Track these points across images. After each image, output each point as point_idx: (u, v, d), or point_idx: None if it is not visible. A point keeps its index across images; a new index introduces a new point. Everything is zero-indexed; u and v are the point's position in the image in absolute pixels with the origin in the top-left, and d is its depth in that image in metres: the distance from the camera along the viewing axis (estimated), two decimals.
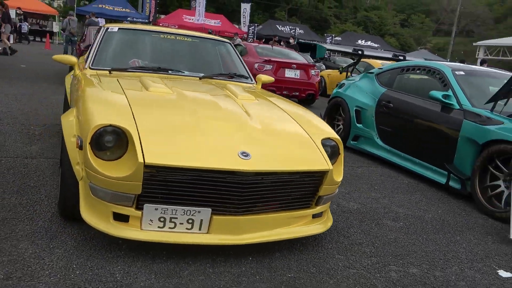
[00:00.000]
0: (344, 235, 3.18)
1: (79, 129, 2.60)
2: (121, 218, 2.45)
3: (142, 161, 2.29)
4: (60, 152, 3.35)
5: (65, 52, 16.26)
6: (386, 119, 5.40)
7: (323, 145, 2.84)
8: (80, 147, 2.46)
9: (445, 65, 5.09)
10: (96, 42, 3.97)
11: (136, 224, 2.45)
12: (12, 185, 3.37)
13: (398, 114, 5.27)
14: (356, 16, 55.00)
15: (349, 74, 7.33)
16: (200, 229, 2.49)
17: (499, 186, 4.05)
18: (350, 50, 7.10)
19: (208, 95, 3.29)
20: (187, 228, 2.48)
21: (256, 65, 9.73)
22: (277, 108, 3.29)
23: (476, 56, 35.86)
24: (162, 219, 2.44)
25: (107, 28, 4.11)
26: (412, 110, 5.09)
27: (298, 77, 10.03)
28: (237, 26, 27.43)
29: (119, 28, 4.14)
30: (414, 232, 3.44)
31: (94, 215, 2.48)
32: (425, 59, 9.38)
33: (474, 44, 36.85)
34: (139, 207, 2.42)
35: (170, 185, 2.40)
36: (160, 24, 26.47)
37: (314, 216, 2.84)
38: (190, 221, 2.46)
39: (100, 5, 26.70)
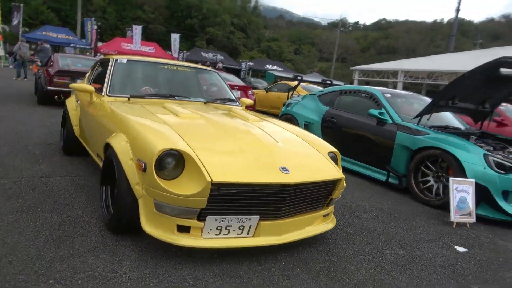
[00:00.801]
0: (338, 227, 3.25)
1: (136, 153, 2.40)
2: (183, 229, 2.31)
3: (210, 180, 2.18)
4: (70, 170, 3.05)
5: (18, 75, 14.82)
6: (330, 131, 5.60)
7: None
8: (144, 169, 2.27)
9: (376, 89, 5.42)
10: (108, 72, 3.68)
11: (197, 234, 2.32)
12: (45, 204, 3.01)
13: (340, 128, 5.49)
14: (260, 45, 56.44)
15: (290, 95, 7.50)
16: (248, 233, 2.42)
17: (429, 181, 4.39)
18: (290, 76, 7.28)
19: (228, 119, 3.20)
20: (237, 234, 2.40)
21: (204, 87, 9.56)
22: (281, 127, 3.29)
23: (353, 78, 38.37)
24: (219, 228, 2.34)
25: (116, 60, 3.82)
26: (352, 124, 5.34)
27: (240, 97, 10.01)
28: (169, 53, 26.67)
29: (127, 60, 3.87)
30: (383, 221, 3.61)
31: (158, 228, 2.31)
32: (323, 79, 10.07)
33: (351, 68, 39.34)
34: (200, 219, 2.29)
35: (228, 198, 2.31)
36: (101, 51, 25.04)
37: (325, 215, 2.88)
38: (241, 227, 2.39)
39: (44, 32, 24.57)
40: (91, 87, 3.54)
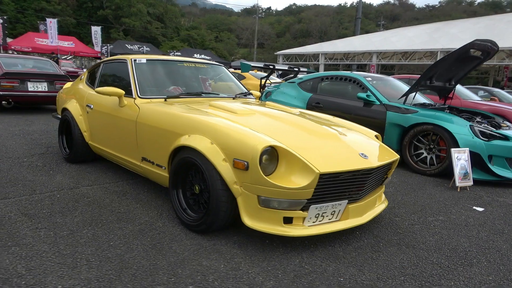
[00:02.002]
0: None
1: (230, 153, 2.41)
2: (287, 220, 2.41)
3: (318, 171, 2.30)
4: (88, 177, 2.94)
5: None
6: None
7: None
8: (246, 168, 2.31)
9: (357, 74, 5.79)
10: (131, 73, 3.51)
11: (299, 223, 2.44)
12: (105, 215, 2.87)
13: (327, 111, 5.79)
14: (179, 34, 55.02)
15: (263, 83, 7.63)
16: (337, 217, 2.59)
17: (422, 153, 4.90)
18: (262, 65, 7.28)
19: (278, 112, 3.25)
20: (329, 219, 2.55)
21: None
22: (324, 117, 3.46)
23: (277, 62, 39.40)
24: (317, 215, 2.47)
25: (135, 60, 3.65)
26: (340, 107, 5.67)
27: None
28: (90, 47, 24.94)
29: (147, 60, 3.71)
30: (404, 193, 3.99)
31: (263, 222, 2.38)
32: (290, 67, 10.18)
33: (275, 53, 40.27)
34: (303, 209, 2.40)
35: (327, 187, 2.44)
36: (12, 47, 22.66)
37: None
38: (333, 212, 2.55)
39: None
40: (121, 90, 3.36)
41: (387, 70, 39.54)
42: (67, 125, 4.33)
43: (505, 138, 4.50)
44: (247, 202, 2.39)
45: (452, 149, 4.22)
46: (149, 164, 3.12)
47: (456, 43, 27.40)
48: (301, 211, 2.40)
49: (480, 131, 4.53)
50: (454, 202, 3.77)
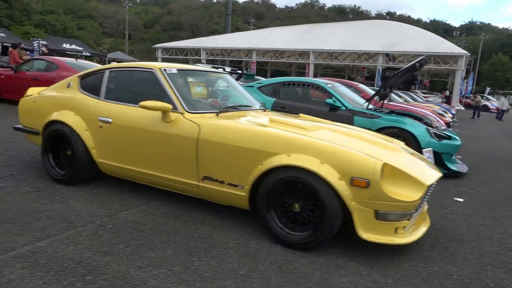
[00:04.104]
0: None
1: (345, 172, 2.51)
2: (395, 230, 2.62)
3: (426, 184, 2.58)
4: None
5: None
6: None
7: None
8: (367, 185, 2.46)
9: (319, 81, 6.20)
10: (166, 85, 3.22)
11: (400, 232, 2.67)
12: (195, 236, 2.64)
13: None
14: (31, 18, 47.80)
15: None
16: (414, 225, 2.90)
17: None
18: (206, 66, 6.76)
19: (336, 126, 3.35)
20: (413, 226, 2.85)
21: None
22: (361, 130, 3.70)
23: (156, 56, 37.95)
24: (411, 224, 2.75)
25: (165, 70, 3.34)
26: (306, 112, 5.97)
27: None
28: None
29: (177, 70, 3.41)
30: None
31: (377, 234, 2.55)
32: (232, 69, 9.68)
33: (153, 46, 38.66)
34: (408, 218, 2.65)
35: (423, 198, 2.71)
36: None
37: None
38: (412, 222, 2.84)
39: None
40: (168, 104, 3.05)
41: (262, 66, 41.81)
42: (55, 141, 3.68)
43: (449, 137, 5.46)
44: (363, 216, 2.52)
45: (424, 149, 4.95)
46: (215, 184, 2.95)
47: (325, 45, 30.60)
48: (407, 221, 2.64)
49: (434, 133, 5.39)
50: (435, 196, 4.46)
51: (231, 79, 4.16)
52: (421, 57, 5.58)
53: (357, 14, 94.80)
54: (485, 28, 78.32)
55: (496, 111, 24.42)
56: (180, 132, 3.03)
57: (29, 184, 3.58)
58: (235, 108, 3.45)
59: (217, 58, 35.76)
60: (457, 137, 5.64)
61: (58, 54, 18.62)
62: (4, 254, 2.32)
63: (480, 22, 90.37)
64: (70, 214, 2.96)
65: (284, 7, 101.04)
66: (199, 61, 34.73)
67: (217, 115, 3.17)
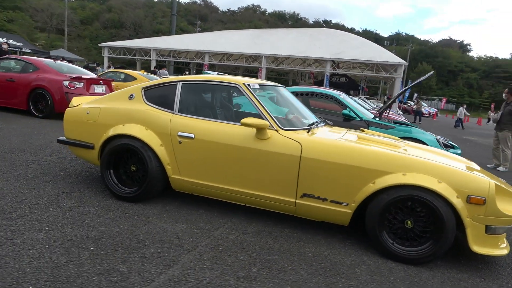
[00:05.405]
0: None
1: (462, 191, 2.64)
2: (498, 243, 2.80)
3: None
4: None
5: None
6: None
7: None
8: (484, 203, 2.62)
9: (336, 92, 6.35)
10: (254, 101, 3.15)
11: (502, 244, 2.84)
12: (306, 255, 2.62)
13: None
14: None
15: None
16: None
17: None
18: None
19: (413, 143, 3.50)
20: None
21: (66, 83, 7.64)
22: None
23: (102, 55, 35.88)
24: None
25: (249, 85, 3.26)
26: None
27: (105, 91, 8.53)
28: None
29: (259, 85, 3.33)
30: None
31: (485, 247, 2.72)
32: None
33: (99, 44, 36.49)
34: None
35: None
36: None
37: None
38: None
39: None
40: (266, 122, 2.97)
41: (210, 69, 41.42)
42: (117, 156, 3.42)
43: (452, 147, 5.90)
44: (475, 231, 2.68)
45: None
46: (317, 201, 2.94)
47: (276, 50, 31.14)
48: (505, 233, 2.84)
49: (442, 143, 5.79)
50: None
51: (285, 90, 4.12)
52: (430, 73, 5.96)
53: (296, 21, 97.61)
54: (410, 39, 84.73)
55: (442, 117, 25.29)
56: (280, 150, 2.97)
57: (94, 203, 3.28)
58: (312, 124, 3.44)
59: (167, 59, 34.80)
60: (457, 146, 6.10)
61: None
62: (148, 286, 2.12)
63: (405, 33, 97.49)
64: (170, 236, 2.77)
65: (226, 10, 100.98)
66: (162, 63, 33.58)
67: (308, 132, 3.15)
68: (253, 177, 3.07)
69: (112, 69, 18.00)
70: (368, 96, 33.28)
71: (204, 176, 3.22)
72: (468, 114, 29.17)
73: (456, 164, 2.98)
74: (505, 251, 2.78)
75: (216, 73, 9.35)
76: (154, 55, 33.96)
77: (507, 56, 79.33)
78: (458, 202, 2.63)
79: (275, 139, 3.01)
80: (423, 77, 5.93)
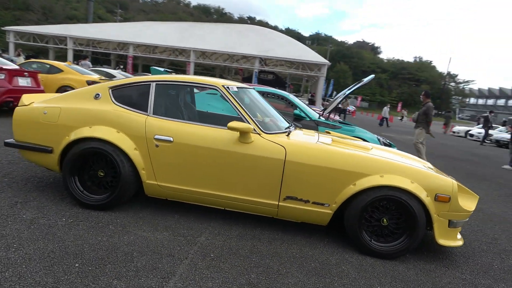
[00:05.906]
0: None
1: (430, 189, 2.92)
2: (456, 236, 3.14)
3: (478, 196, 3.18)
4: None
5: None
6: None
7: None
8: (449, 200, 2.93)
9: (287, 93, 6.50)
10: (235, 104, 3.13)
11: (458, 236, 3.20)
12: (317, 260, 2.70)
13: None
14: None
15: None
16: None
17: None
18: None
19: (382, 146, 3.72)
20: None
21: None
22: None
23: (7, 40, 32.17)
24: None
25: (228, 87, 3.22)
26: None
27: (30, 85, 7.72)
28: None
29: (237, 87, 3.29)
30: None
31: (447, 240, 3.03)
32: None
33: (3, 28, 32.63)
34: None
35: None
36: None
37: None
38: None
39: None
40: (250, 125, 2.97)
41: (145, 62, 39.63)
42: (83, 161, 3.16)
43: (390, 145, 6.43)
44: (441, 226, 2.98)
45: None
46: (299, 203, 3.02)
47: (204, 44, 30.81)
48: (460, 227, 3.20)
49: (382, 142, 6.27)
50: None
51: (256, 93, 4.11)
52: (371, 76, 6.40)
53: (221, 15, 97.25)
54: (329, 39, 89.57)
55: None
56: (264, 153, 2.99)
57: (57, 213, 2.99)
58: (288, 127, 3.51)
59: (86, 49, 32.49)
60: (394, 144, 6.65)
61: None
62: None
63: (325, 34, 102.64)
64: (156, 246, 2.65)
65: (149, 0, 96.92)
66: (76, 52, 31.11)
67: (287, 135, 3.22)
68: (236, 181, 3.05)
69: (25, 58, 16.33)
70: (295, 94, 34.59)
71: (183, 181, 3.12)
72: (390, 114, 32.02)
73: (417, 164, 3.27)
74: (460, 242, 3.13)
75: (163, 69, 8.95)
76: (70, 43, 31.48)
77: (411, 59, 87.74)
78: (428, 201, 2.90)
79: (259, 143, 3.02)
80: (365, 80, 6.36)
